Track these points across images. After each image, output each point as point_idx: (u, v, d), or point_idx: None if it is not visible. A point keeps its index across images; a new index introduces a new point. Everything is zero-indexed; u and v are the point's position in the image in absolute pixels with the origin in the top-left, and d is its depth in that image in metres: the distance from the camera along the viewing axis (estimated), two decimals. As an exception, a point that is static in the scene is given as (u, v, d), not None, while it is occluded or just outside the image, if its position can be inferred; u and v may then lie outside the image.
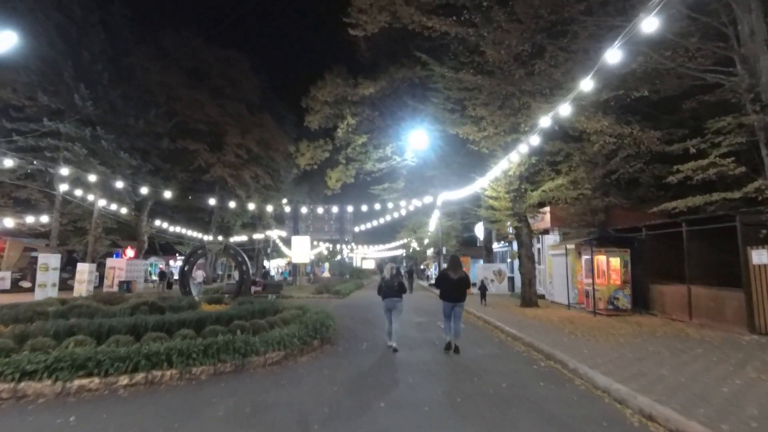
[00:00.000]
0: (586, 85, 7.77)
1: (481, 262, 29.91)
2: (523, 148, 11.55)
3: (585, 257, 14.84)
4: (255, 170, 36.48)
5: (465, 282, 8.19)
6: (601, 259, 13.58)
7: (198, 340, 6.67)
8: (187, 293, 15.06)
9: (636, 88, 12.27)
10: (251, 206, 28.93)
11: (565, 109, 8.63)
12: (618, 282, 13.30)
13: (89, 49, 21.34)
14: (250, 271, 15.53)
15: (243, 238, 48.75)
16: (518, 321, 11.72)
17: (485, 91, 14.60)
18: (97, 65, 21.19)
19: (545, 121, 9.62)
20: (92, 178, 19.18)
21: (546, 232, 18.99)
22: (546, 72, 14.20)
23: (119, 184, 19.27)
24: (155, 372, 5.90)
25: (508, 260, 29.06)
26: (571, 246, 15.56)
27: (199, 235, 43.37)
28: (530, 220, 16.76)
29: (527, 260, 15.88)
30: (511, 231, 19.28)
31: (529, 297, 15.73)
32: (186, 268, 15.29)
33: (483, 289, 18.05)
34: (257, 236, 49.73)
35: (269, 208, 40.77)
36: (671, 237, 12.47)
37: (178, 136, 28.65)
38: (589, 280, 14.48)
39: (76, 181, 21.43)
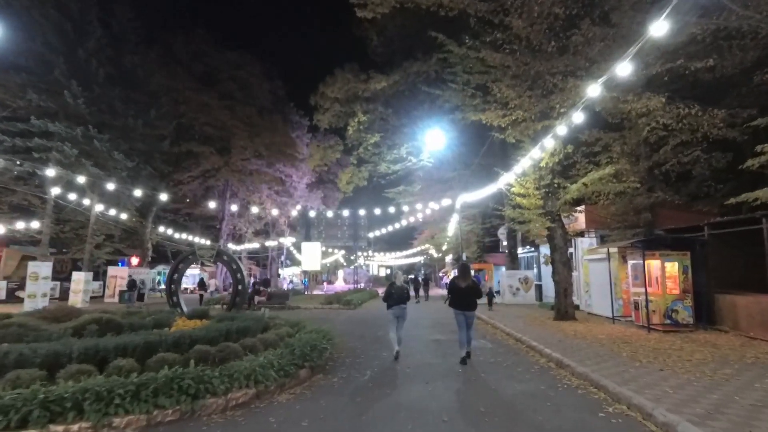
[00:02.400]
0: (659, 29, 5.77)
1: (503, 269, 27.75)
2: (561, 130, 9.55)
3: (632, 262, 12.66)
4: (265, 175, 35.06)
5: (474, 290, 8.13)
6: (654, 264, 11.42)
7: (132, 376, 4.85)
8: (174, 305, 13.37)
9: (697, 58, 10.19)
10: (255, 210, 27.27)
11: (624, 69, 6.63)
12: (676, 291, 11.10)
13: (85, 47, 20.11)
14: (246, 280, 13.78)
15: (255, 245, 47.45)
16: (558, 340, 9.64)
17: (511, 71, 12.67)
18: (93, 63, 19.91)
19: (594, 90, 7.64)
20: (81, 179, 17.83)
21: (581, 234, 16.81)
22: (581, 51, 12.26)
23: (111, 186, 17.81)
24: (55, 427, 4.10)
25: (535, 266, 26.81)
26: (614, 249, 13.39)
27: (208, 243, 42.14)
28: (564, 221, 14.65)
29: (562, 266, 13.76)
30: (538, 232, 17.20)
31: (565, 309, 13.59)
32: (175, 277, 13.62)
33: (490, 295, 18.65)
34: (270, 243, 48.35)
35: (276, 213, 39.31)
36: (744, 237, 10.28)
37: (182, 138, 27.32)
38: (639, 289, 12.30)
39: (71, 185, 20.16)
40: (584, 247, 17.25)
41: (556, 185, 13.59)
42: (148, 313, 9.59)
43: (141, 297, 21.68)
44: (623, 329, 11.30)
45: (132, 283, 22.55)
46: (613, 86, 10.59)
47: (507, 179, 14.75)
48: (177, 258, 14.37)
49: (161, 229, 32.38)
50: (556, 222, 13.73)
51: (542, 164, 12.65)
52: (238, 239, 46.26)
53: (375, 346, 9.75)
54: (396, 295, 8.60)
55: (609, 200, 13.59)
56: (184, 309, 13.37)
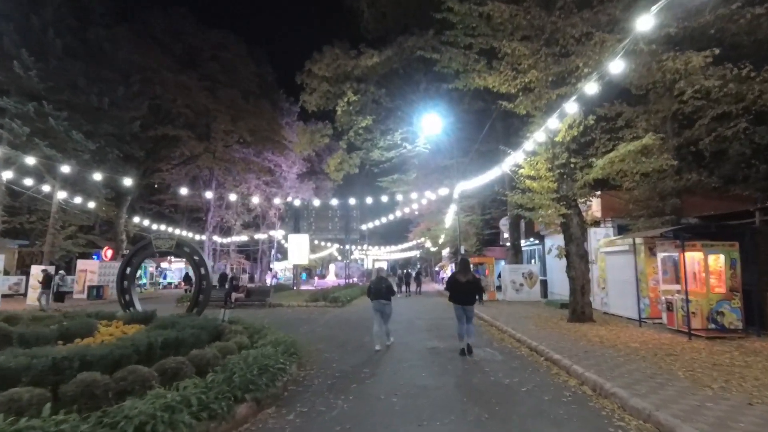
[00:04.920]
0: None
1: (503, 263, 25.97)
2: (590, 88, 7.58)
3: (663, 255, 10.80)
4: (252, 164, 33.03)
5: (474, 285, 8.21)
6: (695, 257, 9.53)
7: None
8: (127, 305, 11.39)
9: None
10: (234, 197, 25.29)
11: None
12: (722, 290, 9.22)
13: (40, 14, 17.91)
14: (210, 274, 11.81)
15: (244, 238, 45.51)
16: (584, 350, 7.75)
17: (522, 30, 10.71)
18: (49, 32, 17.73)
19: (645, 23, 5.68)
20: (38, 162, 15.84)
21: (596, 223, 14.91)
22: (603, 7, 10.39)
23: (66, 169, 15.78)
24: None
25: (534, 260, 25.03)
26: (639, 240, 11.50)
27: (197, 237, 40.14)
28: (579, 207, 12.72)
29: (579, 260, 11.86)
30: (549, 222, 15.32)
31: (582, 309, 11.72)
32: (127, 271, 11.62)
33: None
34: (259, 236, 46.44)
35: (265, 205, 37.29)
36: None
37: (158, 122, 25.18)
38: (670, 287, 10.48)
39: (29, 169, 18.07)
40: (598, 238, 15.39)
41: (572, 165, 11.66)
42: (62, 318, 7.63)
43: (61, 296, 17.62)
44: (656, 335, 9.44)
45: (47, 279, 17.05)
46: (649, 41, 8.75)
47: (514, 160, 12.83)
48: (130, 250, 12.38)
49: (146, 221, 30.37)
50: (572, 208, 11.81)
51: (558, 138, 10.70)
52: (226, 232, 44.25)
53: (357, 358, 7.84)
54: (374, 289, 8.78)
55: (635, 182, 11.68)
56: (139, 309, 11.47)
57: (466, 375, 6.55)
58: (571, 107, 8.57)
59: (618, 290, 13.14)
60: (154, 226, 29.01)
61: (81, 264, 24.72)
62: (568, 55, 10.20)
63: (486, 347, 8.87)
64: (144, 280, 37.04)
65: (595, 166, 10.45)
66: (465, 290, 8.05)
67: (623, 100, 11.94)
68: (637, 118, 12.02)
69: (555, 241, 19.61)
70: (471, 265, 9.26)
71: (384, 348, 8.63)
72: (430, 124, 24.26)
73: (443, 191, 24.96)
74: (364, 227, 38.82)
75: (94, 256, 29.57)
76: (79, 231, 25.63)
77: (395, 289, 9.20)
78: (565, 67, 9.97)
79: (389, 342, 8.97)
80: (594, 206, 15.00)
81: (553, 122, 9.44)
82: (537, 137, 10.45)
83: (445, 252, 39.22)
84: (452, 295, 8.27)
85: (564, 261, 13.66)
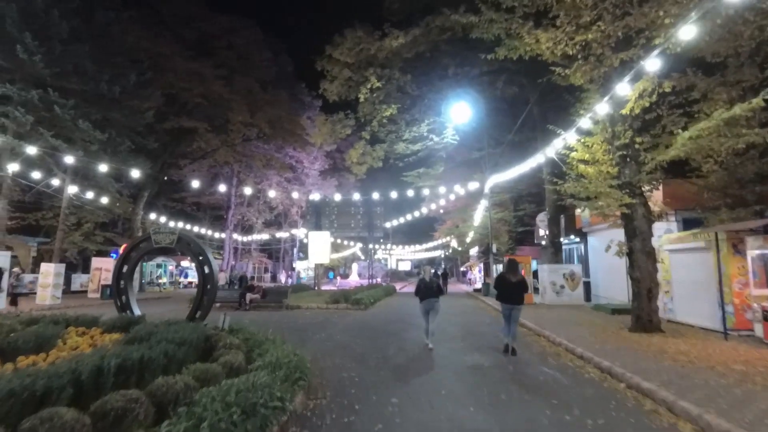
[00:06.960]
0: None
1: (535, 263, 24.03)
2: (685, 33, 5.77)
3: (756, 253, 8.86)
4: (273, 160, 31.88)
5: (522, 285, 8.25)
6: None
7: None
8: (123, 308, 10.10)
9: None
10: (248, 190, 24.07)
11: None
12: None
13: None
14: (216, 274, 10.39)
15: (265, 236, 44.70)
16: (678, 374, 5.95)
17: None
18: (54, 14, 16.75)
19: None
20: (32, 150, 14.82)
21: (659, 217, 12.92)
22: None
23: (70, 160, 14.73)
24: None
25: (575, 259, 22.96)
26: (722, 236, 9.54)
27: (218, 235, 39.46)
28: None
29: (645, 258, 9.97)
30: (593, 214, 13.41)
31: (649, 316, 9.82)
32: (124, 270, 10.33)
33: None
34: (281, 235, 45.53)
35: (287, 202, 36.18)
36: None
37: (172, 112, 24.15)
38: (764, 291, 8.55)
39: (40, 162, 17.22)
40: (659, 234, 13.39)
41: (636, 146, 9.79)
42: (16, 325, 6.26)
43: (14, 300, 14.78)
44: (756, 351, 7.52)
45: None
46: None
47: (564, 142, 11.03)
48: (128, 246, 11.11)
49: (163, 218, 29.58)
50: (636, 197, 9.94)
51: (626, 110, 8.85)
52: (248, 230, 43.44)
53: (381, 378, 6.23)
54: (425, 288, 8.71)
55: (718, 165, 9.74)
56: (136, 312, 10.21)
57: (530, 411, 4.87)
58: (653, 64, 6.74)
59: (687, 294, 11.19)
60: (172, 223, 28.07)
61: (96, 262, 23.93)
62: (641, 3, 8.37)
63: (541, 365, 7.14)
64: (164, 279, 36.47)
65: (676, 138, 8.53)
66: (514, 290, 8.12)
67: (696, 69, 10.04)
68: (715, 88, 10.07)
69: (600, 238, 17.61)
70: (519, 266, 8.86)
71: (429, 347, 8.48)
72: (458, 114, 22.71)
73: (473, 185, 23.25)
74: (387, 225, 37.05)
75: (112, 255, 28.92)
76: (98, 228, 24.89)
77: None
78: (634, 22, 8.13)
79: (430, 345, 8.55)
80: (654, 196, 13.03)
81: (623, 88, 7.62)
82: (599, 110, 8.64)
83: (473, 251, 37.24)
84: (500, 294, 8.35)
85: (613, 261, 11.86)
